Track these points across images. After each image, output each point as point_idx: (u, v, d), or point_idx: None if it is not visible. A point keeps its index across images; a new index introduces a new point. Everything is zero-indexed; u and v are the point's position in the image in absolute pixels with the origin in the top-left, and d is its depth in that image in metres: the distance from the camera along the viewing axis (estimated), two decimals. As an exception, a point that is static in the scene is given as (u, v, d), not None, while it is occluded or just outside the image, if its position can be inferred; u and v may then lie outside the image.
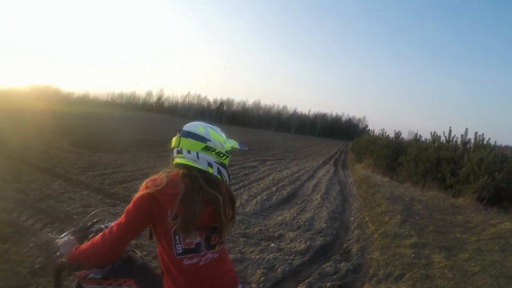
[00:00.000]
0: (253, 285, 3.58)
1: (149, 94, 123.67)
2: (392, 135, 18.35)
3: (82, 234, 1.80)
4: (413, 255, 4.64)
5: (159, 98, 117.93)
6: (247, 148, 1.58)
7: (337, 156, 29.47)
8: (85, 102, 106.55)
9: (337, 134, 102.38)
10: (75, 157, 10.66)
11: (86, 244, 1.46)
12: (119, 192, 6.99)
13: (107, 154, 12.09)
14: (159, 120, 58.24)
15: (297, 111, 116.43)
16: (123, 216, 1.34)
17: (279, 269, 3.94)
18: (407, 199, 8.83)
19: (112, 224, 1.41)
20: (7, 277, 3.38)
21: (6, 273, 3.44)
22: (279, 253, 4.53)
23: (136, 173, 9.03)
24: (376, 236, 5.71)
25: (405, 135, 18.66)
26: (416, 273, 4.00)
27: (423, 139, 14.79)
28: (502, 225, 7.02)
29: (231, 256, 4.14)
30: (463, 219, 7.37)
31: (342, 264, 4.34)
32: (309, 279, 3.78)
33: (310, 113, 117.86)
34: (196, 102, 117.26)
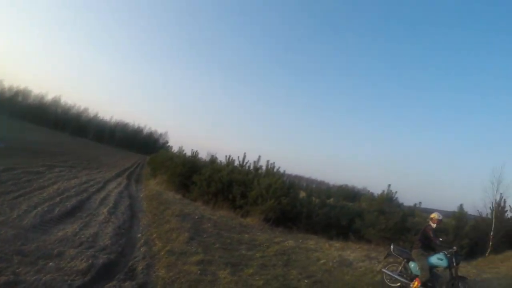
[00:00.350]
0: None
1: None
2: (189, 153, 23.42)
3: None
4: (199, 272, 6.33)
5: None
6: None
7: (132, 169, 33.64)
8: None
9: (137, 146, 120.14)
10: None
11: None
12: None
13: None
14: None
15: (98, 115, 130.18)
16: None
17: (58, 294, 4.59)
18: (196, 217, 11.35)
19: None
20: None
21: None
22: (58, 273, 5.18)
23: None
24: (162, 253, 7.22)
25: (204, 156, 24.10)
26: None
27: (218, 161, 19.66)
28: (286, 242, 10.35)
29: (2, 278, 4.50)
30: (249, 237, 10.22)
31: (126, 284, 5.44)
32: (91, 302, 4.74)
33: (112, 121, 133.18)
34: None
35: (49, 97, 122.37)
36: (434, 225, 7.84)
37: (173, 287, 5.68)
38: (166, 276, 6.09)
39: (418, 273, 7.51)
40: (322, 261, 8.85)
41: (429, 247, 7.80)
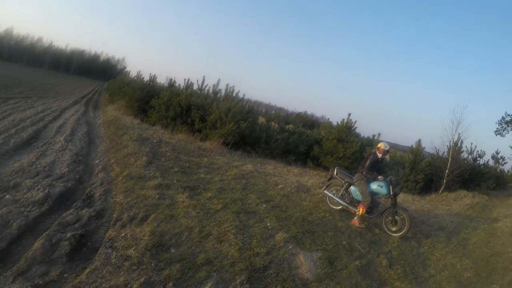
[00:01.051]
0: None
1: None
2: (148, 78, 23.41)
3: None
4: (157, 196, 6.45)
5: None
6: None
7: (90, 96, 33.41)
8: None
9: (94, 73, 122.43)
10: None
11: None
12: None
13: None
14: None
15: (53, 44, 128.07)
16: None
17: (14, 224, 4.64)
18: (155, 141, 11.31)
19: None
20: None
21: None
22: (14, 206, 5.18)
23: None
24: (120, 178, 7.28)
25: (163, 81, 24.80)
26: (161, 214, 5.73)
27: (177, 84, 19.43)
28: (244, 167, 10.58)
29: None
30: (208, 161, 10.35)
31: (84, 211, 5.53)
32: (48, 232, 4.67)
33: (67, 49, 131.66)
34: None
35: (1, 29, 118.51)
36: (379, 155, 7.90)
37: (131, 212, 5.78)
38: (124, 201, 6.19)
39: (359, 198, 7.87)
40: (280, 186, 9.19)
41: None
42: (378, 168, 7.93)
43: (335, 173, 8.53)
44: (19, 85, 28.79)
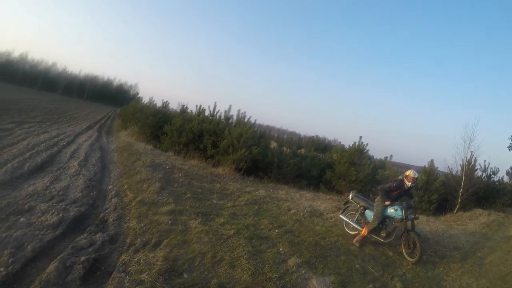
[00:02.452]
0: (1, 269, 4.16)
1: None
2: (160, 104, 23.89)
3: None
4: (170, 221, 6.51)
5: None
6: None
7: (103, 121, 33.81)
8: None
9: (107, 98, 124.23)
10: None
11: None
12: None
13: None
14: None
15: (67, 69, 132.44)
16: None
17: (29, 246, 4.73)
18: (168, 167, 11.49)
19: None
20: None
21: None
22: (28, 229, 5.29)
23: None
24: (133, 204, 7.39)
25: (175, 106, 24.50)
26: (173, 239, 5.77)
27: (188, 111, 19.69)
28: (257, 192, 10.64)
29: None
30: (221, 187, 10.43)
31: (97, 235, 5.60)
32: (62, 255, 4.73)
33: (81, 74, 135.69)
34: None
35: (16, 54, 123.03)
36: (409, 183, 7.69)
37: (144, 238, 5.82)
38: (137, 226, 6.25)
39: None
40: (292, 211, 9.19)
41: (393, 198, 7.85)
42: (400, 195, 7.93)
43: (350, 197, 8.52)
44: (33, 110, 29.41)
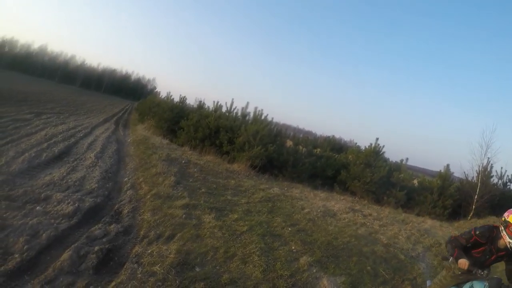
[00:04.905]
0: (16, 255, 4.21)
1: None
2: (177, 99, 23.85)
3: None
4: (184, 215, 6.50)
5: None
6: None
7: (120, 114, 34.19)
8: None
9: (125, 92, 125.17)
10: None
11: None
12: None
13: None
14: None
15: (85, 62, 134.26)
16: None
17: (44, 234, 4.78)
18: (183, 162, 11.50)
19: None
20: None
21: None
22: (44, 217, 5.36)
23: None
24: (148, 197, 7.39)
25: (192, 102, 24.42)
26: (187, 233, 5.76)
27: (206, 107, 19.82)
28: (271, 190, 10.56)
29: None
30: (235, 183, 10.39)
31: (112, 226, 5.62)
32: (76, 244, 4.76)
33: (99, 67, 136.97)
34: None
35: (36, 46, 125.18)
36: (507, 240, 3.93)
37: (157, 230, 5.82)
38: (151, 219, 6.25)
39: None
40: (306, 210, 9.10)
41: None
42: (488, 256, 4.26)
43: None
44: (51, 101, 30.03)
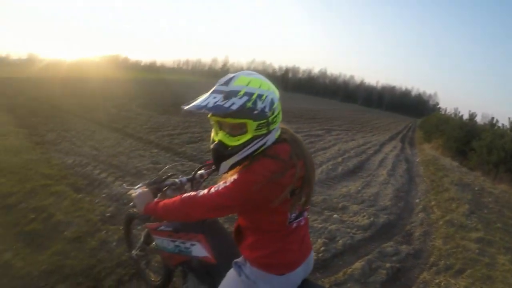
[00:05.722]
0: (313, 253, 5.22)
1: (215, 60, 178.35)
2: (466, 116, 22.12)
3: (156, 187, 2.59)
4: (477, 250, 6.06)
5: (224, 65, 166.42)
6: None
7: (404, 132, 34.43)
8: (152, 69, 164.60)
9: (405, 109, 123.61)
10: (144, 119, 16.35)
11: (170, 202, 2.08)
12: (187, 151, 10.44)
13: (175, 116, 18.13)
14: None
15: (364, 81, 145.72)
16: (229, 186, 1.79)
17: (340, 241, 5.45)
18: (476, 188, 10.62)
19: (211, 190, 1.88)
20: (79, 223, 5.26)
21: (78, 220, 5.35)
22: (341, 225, 6.12)
23: (203, 135, 13.13)
24: (441, 223, 7.26)
25: (478, 118, 22.15)
26: (478, 271, 5.36)
27: (499, 124, 17.46)
28: None
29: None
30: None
31: (403, 247, 5.80)
32: (369, 256, 5.18)
33: (378, 85, 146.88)
34: (261, 68, 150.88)
35: (316, 70, 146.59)
36: None
37: (448, 261, 5.63)
38: (443, 247, 6.10)
39: None
40: None
41: None
42: None
43: None
44: (337, 119, 32.96)
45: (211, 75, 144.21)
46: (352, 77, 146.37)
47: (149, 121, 15.81)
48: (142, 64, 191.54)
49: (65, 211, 5.65)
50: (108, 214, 5.67)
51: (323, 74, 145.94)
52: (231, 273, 2.19)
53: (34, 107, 17.64)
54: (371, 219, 6.53)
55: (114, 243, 4.79)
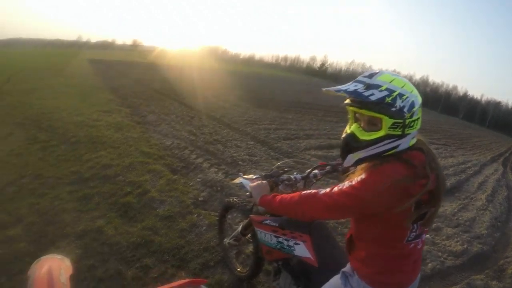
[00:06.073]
0: (419, 277, 4.98)
1: (313, 59, 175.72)
2: None
3: (274, 181, 2.64)
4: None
5: (323, 64, 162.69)
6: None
7: (507, 155, 31.46)
8: (250, 63, 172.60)
9: (511, 129, 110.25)
10: (241, 110, 17.21)
11: (288, 196, 2.10)
12: (282, 147, 10.50)
13: (271, 111, 18.86)
14: (321, 85, 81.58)
15: (468, 94, 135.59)
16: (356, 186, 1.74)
17: (430, 264, 5.20)
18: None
19: (334, 189, 1.84)
20: (172, 203, 5.57)
21: (172, 200, 5.67)
22: (433, 247, 5.82)
23: (300, 133, 13.27)
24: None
25: None
26: None
27: None
28: None
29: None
30: None
31: (493, 283, 5.33)
32: (457, 287, 4.89)
33: (482, 99, 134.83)
34: (360, 70, 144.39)
35: (417, 77, 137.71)
36: None
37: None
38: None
39: None
40: None
41: None
42: None
43: None
44: (436, 132, 31.35)
45: (309, 73, 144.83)
46: (455, 87, 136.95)
47: (246, 113, 16.37)
48: (241, 57, 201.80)
49: (160, 190, 6.03)
50: (201, 199, 5.96)
51: (424, 82, 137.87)
52: (336, 281, 2.17)
53: (137, 89, 19.27)
54: (465, 246, 6.10)
55: (204, 228, 5.00)
